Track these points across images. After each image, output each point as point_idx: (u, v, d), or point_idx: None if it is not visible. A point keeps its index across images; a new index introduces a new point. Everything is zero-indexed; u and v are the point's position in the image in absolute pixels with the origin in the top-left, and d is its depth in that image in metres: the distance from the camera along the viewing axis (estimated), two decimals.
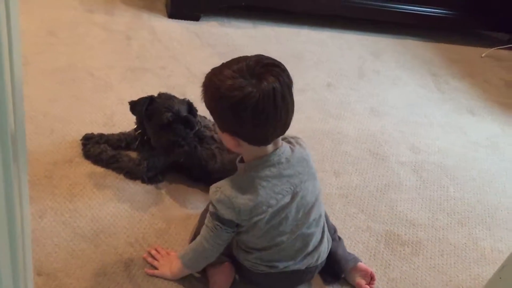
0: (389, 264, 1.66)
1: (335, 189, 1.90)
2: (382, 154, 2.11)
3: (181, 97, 1.78)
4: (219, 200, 1.30)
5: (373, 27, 2.99)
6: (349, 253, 1.59)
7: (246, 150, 1.29)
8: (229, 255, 1.49)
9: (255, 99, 1.17)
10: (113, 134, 1.88)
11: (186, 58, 2.43)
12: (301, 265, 1.41)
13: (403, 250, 1.72)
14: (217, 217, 1.33)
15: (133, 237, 1.58)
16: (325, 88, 2.45)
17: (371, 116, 2.33)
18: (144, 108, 1.70)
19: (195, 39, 2.59)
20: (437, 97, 2.56)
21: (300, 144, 1.38)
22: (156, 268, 1.50)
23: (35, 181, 1.69)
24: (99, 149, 1.81)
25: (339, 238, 1.62)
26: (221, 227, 1.33)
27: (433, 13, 2.94)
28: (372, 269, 1.58)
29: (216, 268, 1.47)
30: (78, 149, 1.83)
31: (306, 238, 1.39)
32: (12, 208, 0.90)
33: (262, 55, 1.24)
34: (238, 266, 1.48)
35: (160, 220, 1.66)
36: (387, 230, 1.78)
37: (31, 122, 1.91)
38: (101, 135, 1.86)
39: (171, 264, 1.49)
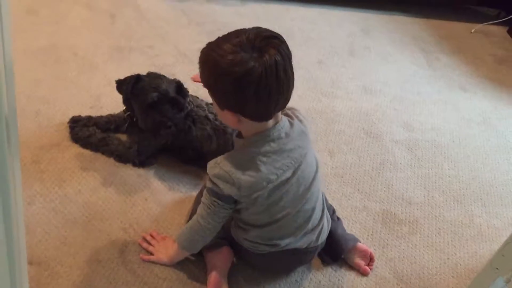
0: (387, 244, 1.65)
1: (330, 169, 1.87)
2: (376, 133, 2.09)
3: (171, 77, 1.72)
4: (218, 175, 1.26)
5: (362, 3, 2.94)
6: (348, 233, 1.57)
7: (247, 126, 1.25)
8: (227, 238, 1.46)
9: (258, 74, 1.12)
10: (101, 116, 1.82)
11: (174, 37, 2.35)
12: (302, 243, 1.38)
13: (401, 229, 1.71)
14: (214, 193, 1.29)
15: (126, 222, 1.54)
16: (316, 66, 2.40)
17: (364, 94, 2.30)
18: (130, 87, 1.64)
19: (182, 17, 2.51)
20: (428, 74, 2.53)
21: (297, 117, 1.34)
22: (151, 254, 1.46)
23: (22, 166, 1.63)
24: (87, 132, 1.74)
25: (338, 218, 1.60)
26: (218, 204, 1.29)
27: None
28: (370, 249, 1.56)
29: (214, 252, 1.44)
30: (66, 132, 1.76)
31: (307, 214, 1.36)
32: (7, 195, 0.85)
33: (260, 27, 1.18)
34: (236, 249, 1.45)
35: (153, 204, 1.61)
36: (383, 209, 1.76)
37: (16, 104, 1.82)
38: (89, 118, 1.80)
39: (167, 249, 1.45)
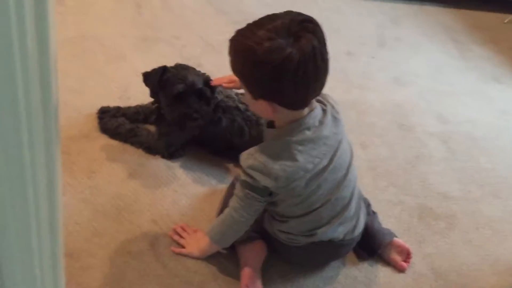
0: (423, 239, 1.59)
1: (363, 162, 1.82)
2: (409, 125, 2.02)
3: (198, 68, 1.67)
4: (252, 167, 1.22)
5: None
6: (385, 228, 1.52)
7: (282, 115, 1.21)
8: (260, 231, 1.42)
9: (296, 60, 1.08)
10: (130, 107, 1.79)
11: (200, 27, 2.31)
12: (339, 233, 1.33)
13: (437, 224, 1.65)
14: (249, 185, 1.25)
15: (157, 215, 1.51)
16: (345, 57, 2.34)
17: (395, 86, 2.23)
18: (157, 78, 1.60)
19: (208, 7, 2.46)
20: (461, 65, 2.45)
21: (329, 102, 1.29)
22: (182, 246, 1.43)
23: None
24: (116, 123, 1.71)
25: (373, 212, 1.55)
26: (253, 196, 1.25)
27: None
28: (407, 244, 1.51)
29: (247, 246, 1.40)
30: (94, 123, 1.74)
31: (345, 201, 1.32)
32: (54, 182, 0.83)
33: (292, 11, 1.14)
34: (270, 243, 1.41)
35: (183, 196, 1.58)
36: (419, 203, 1.71)
37: None
38: (117, 108, 1.77)
39: (198, 242, 1.42)
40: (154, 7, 2.37)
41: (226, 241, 1.36)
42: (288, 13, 1.13)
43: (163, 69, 1.61)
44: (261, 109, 1.21)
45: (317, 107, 1.24)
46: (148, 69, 1.66)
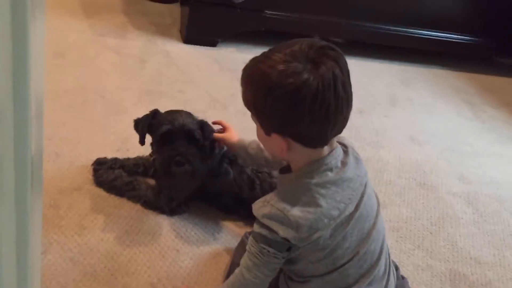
0: None
1: (384, 223, 1.64)
2: (430, 184, 1.87)
3: None
4: (269, 215, 1.05)
5: (398, 55, 2.82)
6: None
7: (298, 154, 1.06)
8: None
9: (314, 88, 0.95)
10: (128, 159, 1.64)
11: (206, 83, 2.22)
12: None
13: None
14: (264, 238, 1.07)
15: (155, 277, 1.31)
16: (357, 114, 2.24)
17: (412, 144, 2.11)
18: (147, 122, 1.45)
19: (214, 64, 2.39)
20: (477, 126, 2.35)
21: (348, 144, 1.15)
22: None
23: None
24: (112, 175, 1.56)
25: (403, 277, 1.36)
26: (268, 252, 1.07)
27: (459, 39, 2.79)
28: None
29: None
30: (89, 175, 1.58)
31: (374, 256, 1.13)
32: (26, 242, 0.73)
33: (314, 38, 1.02)
34: None
35: (186, 257, 1.39)
36: (450, 269, 1.52)
37: None
38: (115, 160, 1.62)
39: None
40: (158, 63, 2.29)
41: None
42: (310, 38, 1.02)
43: (154, 113, 1.47)
44: (275, 146, 1.06)
45: (338, 147, 1.10)
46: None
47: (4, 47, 0.59)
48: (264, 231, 1.07)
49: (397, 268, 1.35)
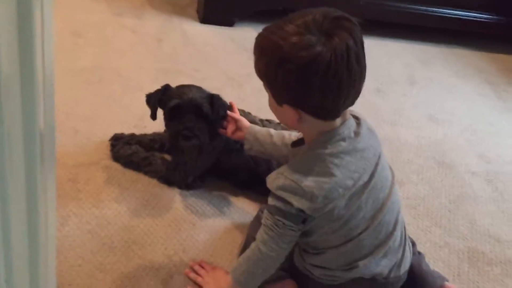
0: (477, 286, 1.38)
1: (401, 200, 1.62)
2: (449, 163, 1.84)
3: None
4: (283, 187, 1.05)
5: (418, 35, 2.77)
6: (434, 270, 1.31)
7: (310, 126, 1.05)
8: (289, 269, 1.22)
9: (327, 60, 0.94)
10: (145, 134, 1.64)
11: (222, 62, 2.21)
12: (383, 268, 1.13)
13: (492, 270, 1.43)
14: (279, 210, 1.06)
15: (171, 249, 1.32)
16: (375, 93, 2.21)
17: (431, 124, 2.07)
18: (158, 97, 1.45)
19: (230, 44, 2.38)
20: (499, 106, 2.30)
21: (359, 116, 1.14)
22: (200, 286, 1.23)
23: (57, 185, 1.43)
24: (130, 150, 1.57)
25: (419, 253, 1.34)
26: (284, 224, 1.07)
27: (481, 18, 2.72)
28: None
29: (275, 286, 1.20)
30: (106, 150, 1.59)
31: (389, 228, 1.13)
32: (35, 214, 0.74)
33: (328, 8, 1.00)
34: (302, 283, 1.21)
35: (202, 231, 1.40)
36: (468, 246, 1.50)
37: None
38: (132, 135, 1.63)
39: (218, 282, 1.22)
40: (175, 42, 2.28)
41: (253, 282, 1.16)
42: (324, 8, 1.00)
43: (165, 88, 1.46)
44: (286, 117, 1.06)
45: (350, 118, 1.09)
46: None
47: (10, 21, 0.60)
48: (279, 203, 1.06)
49: (413, 244, 1.33)
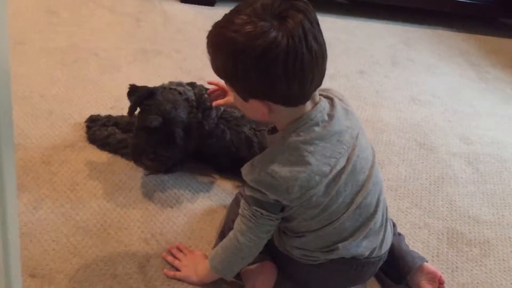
0: (456, 267, 1.38)
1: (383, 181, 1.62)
2: (430, 145, 1.84)
3: (198, 82, 1.51)
4: (258, 180, 1.02)
5: (401, 16, 2.75)
6: (414, 251, 1.31)
7: (281, 115, 1.01)
8: (268, 249, 1.20)
9: (284, 45, 0.90)
10: (122, 116, 1.61)
11: (202, 42, 2.15)
12: (364, 250, 1.11)
13: (471, 251, 1.43)
14: (256, 201, 1.04)
15: (148, 233, 1.30)
16: (358, 75, 2.19)
17: (412, 105, 2.06)
18: (141, 100, 1.41)
19: (211, 23, 2.32)
20: (480, 87, 2.30)
21: (335, 96, 1.10)
22: (178, 270, 1.21)
23: (30, 167, 1.41)
24: (106, 132, 1.53)
25: (399, 233, 1.34)
26: (262, 214, 1.04)
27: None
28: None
29: (253, 268, 1.18)
30: (82, 132, 1.56)
31: (370, 209, 1.11)
32: None
33: None
34: (281, 263, 1.19)
35: (180, 214, 1.37)
36: (448, 227, 1.50)
37: (26, 103, 1.63)
38: (108, 117, 1.59)
39: (196, 265, 1.20)
40: (153, 22, 2.24)
41: (231, 271, 1.15)
42: None
43: (150, 93, 1.41)
44: (255, 111, 1.02)
45: (322, 100, 1.05)
46: (146, 80, 1.49)
47: None
48: (256, 194, 1.04)
49: (394, 225, 1.32)
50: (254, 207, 1.05)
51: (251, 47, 0.90)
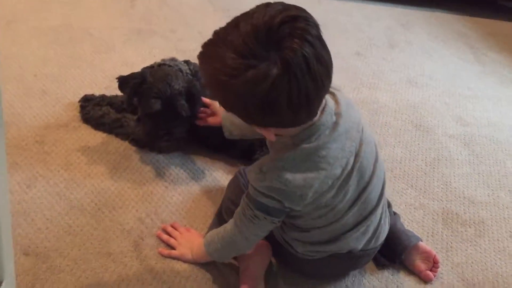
0: (451, 247, 1.38)
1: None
2: (426, 126, 1.83)
3: (196, 61, 1.48)
4: (270, 187, 0.97)
5: None
6: (409, 230, 1.31)
7: (289, 132, 0.97)
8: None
9: (287, 80, 0.83)
10: (117, 96, 1.59)
11: (198, 22, 2.15)
12: (362, 243, 1.11)
13: (465, 231, 1.44)
14: (261, 206, 1.01)
15: (143, 212, 1.29)
16: (354, 57, 2.17)
17: (409, 87, 2.05)
18: (135, 89, 1.38)
19: (207, 4, 2.31)
20: (478, 69, 2.28)
21: (334, 89, 1.05)
22: (172, 248, 1.21)
23: (23, 146, 1.40)
24: (100, 112, 1.52)
25: (395, 213, 1.34)
26: (265, 218, 1.02)
27: None
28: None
29: None
30: (76, 112, 1.54)
31: (372, 204, 1.09)
32: None
33: (267, 7, 0.86)
34: (275, 249, 1.19)
35: (175, 193, 1.37)
36: (443, 208, 1.50)
37: (19, 82, 1.61)
38: (103, 97, 1.58)
39: (191, 243, 1.20)
40: (149, 2, 2.21)
41: (226, 258, 1.16)
42: (261, 12, 0.84)
43: (141, 79, 1.38)
44: (266, 135, 0.97)
45: (328, 100, 1.00)
46: (140, 60, 1.47)
47: None
48: (262, 199, 1.00)
49: (389, 205, 1.32)
50: (258, 212, 1.02)
51: (252, 92, 0.84)
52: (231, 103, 0.90)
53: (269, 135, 0.96)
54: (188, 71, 1.44)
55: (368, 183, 1.07)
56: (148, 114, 1.37)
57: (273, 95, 0.84)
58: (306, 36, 0.84)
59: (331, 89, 1.04)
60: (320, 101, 0.93)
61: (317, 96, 0.90)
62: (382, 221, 1.15)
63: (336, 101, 1.03)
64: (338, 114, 1.00)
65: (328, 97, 1.02)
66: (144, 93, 1.37)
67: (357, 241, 1.11)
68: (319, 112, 0.97)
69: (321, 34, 0.88)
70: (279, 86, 0.83)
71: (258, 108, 0.87)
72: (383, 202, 1.13)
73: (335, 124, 0.99)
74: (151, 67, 1.43)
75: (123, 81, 1.41)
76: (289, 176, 0.96)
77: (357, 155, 1.03)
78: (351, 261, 1.16)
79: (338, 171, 0.99)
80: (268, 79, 0.83)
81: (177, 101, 1.36)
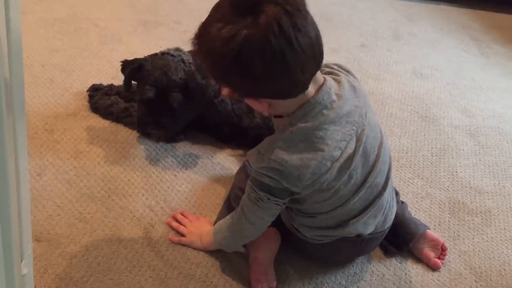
0: (458, 235, 1.39)
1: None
2: (432, 117, 1.84)
3: None
4: (268, 169, 0.99)
5: None
6: (416, 218, 1.32)
7: (283, 106, 0.98)
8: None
9: (256, 42, 0.85)
10: None
11: (203, 13, 2.13)
12: (370, 226, 1.12)
13: (472, 220, 1.44)
14: (264, 186, 1.02)
15: (153, 199, 1.30)
16: (359, 48, 2.18)
17: (414, 78, 2.06)
18: (132, 75, 1.41)
19: None
20: (482, 61, 2.29)
21: (341, 70, 1.07)
22: (182, 235, 1.21)
23: (33, 135, 1.41)
24: (108, 101, 1.52)
25: (402, 202, 1.35)
26: (269, 199, 1.02)
27: None
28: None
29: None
30: (84, 101, 1.55)
31: (378, 188, 1.10)
32: (3, 164, 0.68)
33: None
34: (284, 234, 1.19)
35: (184, 181, 1.37)
36: (450, 197, 1.51)
37: (27, 72, 1.62)
38: (110, 86, 1.58)
39: (201, 231, 1.20)
40: None
41: (235, 246, 1.16)
42: None
43: (139, 65, 1.40)
44: (255, 107, 1.00)
45: (327, 79, 1.00)
46: (146, 51, 1.48)
47: None
48: (264, 179, 1.01)
49: (397, 193, 1.33)
50: (262, 192, 1.03)
51: (225, 51, 0.87)
52: (219, 70, 0.93)
53: (262, 107, 0.98)
54: (190, 60, 1.45)
55: (373, 168, 1.07)
56: (142, 100, 1.38)
57: (245, 54, 0.86)
58: (284, 5, 0.87)
59: (337, 71, 1.06)
60: (307, 73, 0.93)
61: (298, 65, 0.89)
62: (389, 204, 1.16)
63: (339, 83, 1.03)
64: (338, 95, 1.00)
65: (328, 78, 1.02)
66: (141, 80, 1.38)
67: (365, 226, 1.11)
68: (313, 90, 0.97)
69: (307, 10, 0.90)
70: (249, 45, 0.85)
71: (235, 68, 0.89)
72: (389, 186, 1.14)
73: (335, 105, 0.99)
74: (155, 54, 1.43)
75: (125, 65, 1.44)
76: (285, 156, 0.97)
77: (358, 139, 1.03)
78: (360, 245, 1.16)
79: (336, 153, 0.99)
80: (239, 36, 0.85)
81: (170, 91, 1.37)
